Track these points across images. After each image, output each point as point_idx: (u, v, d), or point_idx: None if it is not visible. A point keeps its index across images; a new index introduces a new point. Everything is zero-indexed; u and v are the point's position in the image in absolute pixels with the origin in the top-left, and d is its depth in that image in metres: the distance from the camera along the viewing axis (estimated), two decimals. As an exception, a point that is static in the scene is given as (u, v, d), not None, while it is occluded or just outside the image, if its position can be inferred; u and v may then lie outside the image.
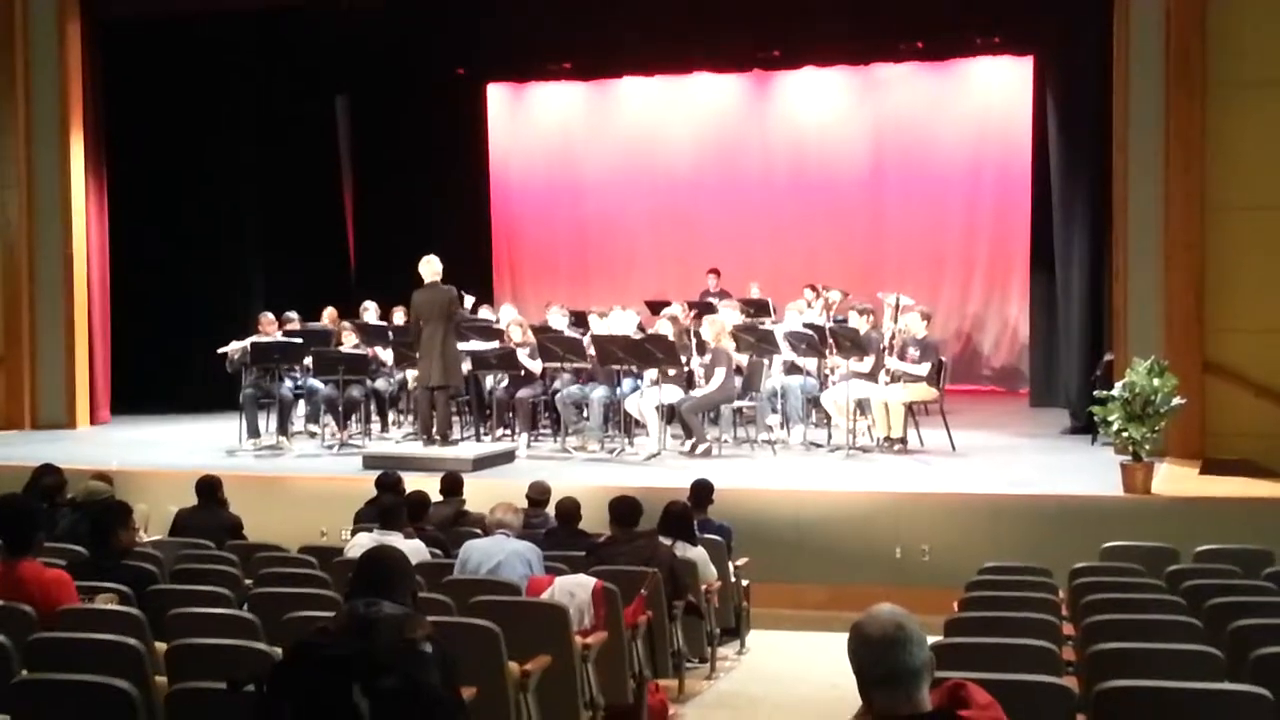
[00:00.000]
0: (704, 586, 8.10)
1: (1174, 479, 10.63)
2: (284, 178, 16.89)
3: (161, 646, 5.57)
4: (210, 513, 8.96)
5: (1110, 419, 10.13)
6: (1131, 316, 11.84)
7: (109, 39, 15.32)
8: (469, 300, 14.24)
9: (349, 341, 13.61)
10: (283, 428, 13.31)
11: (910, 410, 12.27)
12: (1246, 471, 10.77)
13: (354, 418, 13.73)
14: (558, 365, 12.77)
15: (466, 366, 12.82)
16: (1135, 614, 6.06)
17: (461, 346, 12.56)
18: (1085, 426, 12.37)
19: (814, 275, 15.66)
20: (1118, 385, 10.24)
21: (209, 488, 9.12)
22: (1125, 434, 10.04)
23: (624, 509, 7.92)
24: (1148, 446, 10.07)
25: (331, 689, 3.78)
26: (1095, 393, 10.87)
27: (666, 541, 7.94)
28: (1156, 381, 10.00)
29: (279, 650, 5.06)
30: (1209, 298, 11.62)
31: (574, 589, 6.80)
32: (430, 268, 11.93)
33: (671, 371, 12.23)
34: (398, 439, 13.45)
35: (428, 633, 3.93)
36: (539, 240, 19.00)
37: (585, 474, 11.33)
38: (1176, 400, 10.06)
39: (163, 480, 11.16)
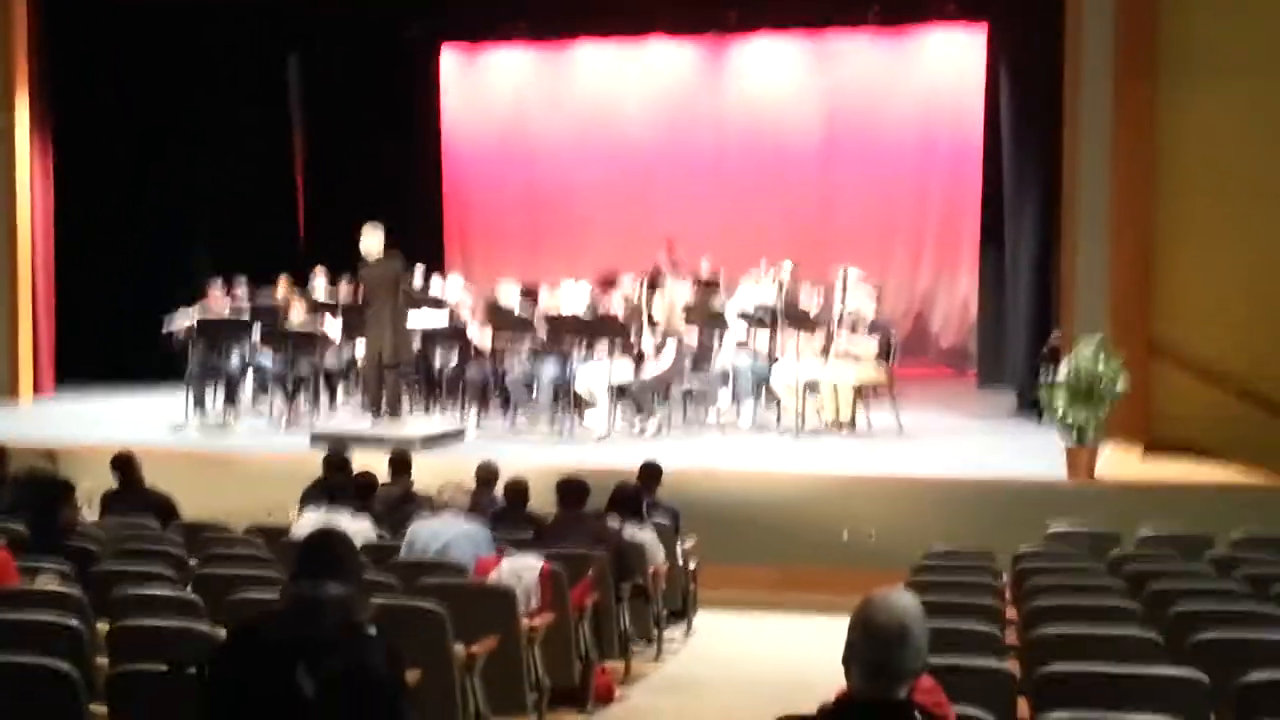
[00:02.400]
0: (651, 569, 8.11)
1: (1117, 462, 10.72)
2: (233, 141, 16.66)
3: (104, 627, 5.53)
4: (135, 493, 8.78)
5: (1055, 404, 10.22)
6: (1079, 297, 11.90)
7: (55, 4, 15.07)
8: (419, 269, 14.16)
9: (297, 314, 13.49)
10: (230, 403, 13.20)
11: (859, 392, 12.32)
12: (1189, 455, 10.90)
13: (302, 393, 13.64)
14: (508, 339, 12.74)
15: (416, 344, 12.78)
16: (1077, 598, 6.13)
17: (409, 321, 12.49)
18: (1032, 406, 12.45)
19: (764, 248, 15.47)
20: (1063, 368, 10.31)
21: (127, 464, 8.89)
22: (1069, 420, 10.12)
23: (570, 490, 7.92)
24: (1092, 430, 10.16)
25: (275, 671, 3.76)
26: (1040, 370, 10.93)
27: (615, 523, 7.94)
28: (1101, 365, 10.08)
29: (223, 631, 5.03)
30: (1155, 279, 11.71)
31: (521, 571, 6.79)
32: (374, 242, 11.67)
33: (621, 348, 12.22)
34: (346, 415, 13.37)
35: (373, 615, 3.92)
36: (491, 207, 18.82)
37: (534, 454, 11.29)
38: (1121, 384, 10.14)
39: (107, 457, 11.01)
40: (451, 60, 18.77)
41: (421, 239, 16.67)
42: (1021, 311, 14.06)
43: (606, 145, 18.24)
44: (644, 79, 18.17)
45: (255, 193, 17.01)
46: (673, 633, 8.74)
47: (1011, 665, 5.22)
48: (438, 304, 13.60)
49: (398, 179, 17.44)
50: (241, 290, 14.06)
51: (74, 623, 5.28)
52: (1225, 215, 11.63)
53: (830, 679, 3.48)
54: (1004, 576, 7.19)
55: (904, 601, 3.24)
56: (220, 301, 13.46)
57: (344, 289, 14.16)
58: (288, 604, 3.92)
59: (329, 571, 3.97)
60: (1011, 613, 6.40)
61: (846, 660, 3.22)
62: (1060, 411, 10.18)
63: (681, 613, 8.98)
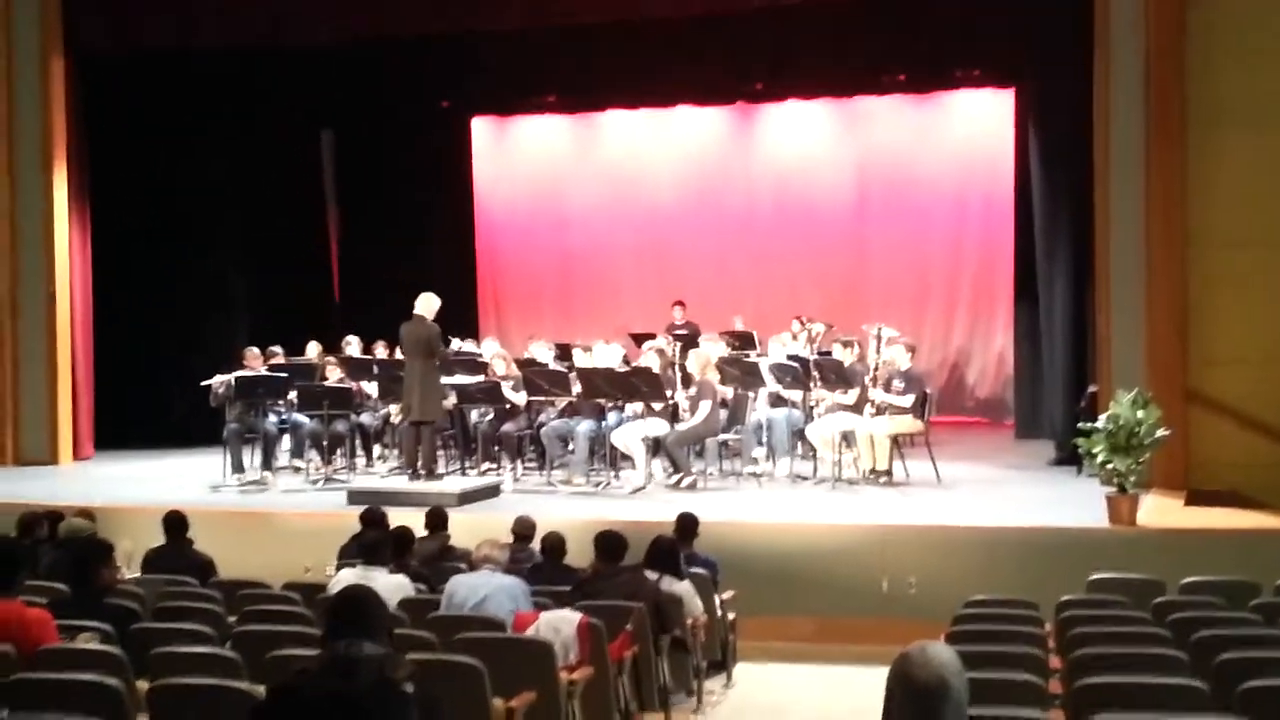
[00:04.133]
0: (690, 621, 8.07)
1: (1159, 510, 10.64)
2: (268, 212, 16.88)
3: (144, 686, 5.53)
4: (179, 553, 8.83)
5: (1095, 451, 10.15)
6: (1115, 348, 11.89)
7: (93, 75, 15.33)
8: (455, 343, 14.21)
9: (333, 376, 13.58)
10: (267, 463, 13.25)
11: (896, 442, 12.27)
12: (1231, 502, 10.78)
13: (339, 452, 13.68)
14: (543, 399, 12.75)
15: (452, 400, 12.82)
16: (1122, 647, 6.05)
17: (446, 380, 12.56)
18: (1070, 458, 12.38)
19: (798, 307, 15.64)
20: (1102, 417, 10.26)
21: (177, 524, 8.96)
22: (1110, 466, 10.05)
23: (608, 544, 7.89)
24: (1133, 478, 10.09)
25: (313, 730, 3.76)
26: (1080, 424, 10.90)
27: (652, 576, 7.91)
28: (1140, 413, 10.02)
29: (261, 690, 5.02)
30: (1191, 329, 11.67)
31: (559, 624, 6.77)
32: (422, 303, 11.96)
33: (656, 405, 12.22)
34: (383, 474, 13.41)
35: (409, 673, 3.90)
36: (524, 273, 19.01)
37: (571, 508, 11.30)
38: (1161, 432, 10.08)
39: (146, 517, 11.03)
40: (483, 128, 18.95)
41: (456, 304, 16.72)
42: (1058, 363, 14.01)
43: (638, 208, 18.36)
44: (673, 142, 18.30)
45: (290, 262, 17.22)
46: (712, 685, 8.67)
47: (1056, 716, 5.16)
48: (472, 363, 13.65)
49: (431, 247, 17.63)
50: (278, 360, 14.12)
51: (114, 682, 5.29)
52: (1258, 263, 11.62)
53: (871, 730, 3.44)
54: (1046, 626, 7.12)
55: (943, 656, 3.12)
56: (257, 365, 13.52)
57: (380, 352, 14.22)
58: (324, 663, 3.92)
59: (361, 629, 3.97)
60: (1055, 662, 6.33)
61: (886, 717, 3.14)
62: (1101, 460, 10.11)
63: (721, 664, 8.92)
